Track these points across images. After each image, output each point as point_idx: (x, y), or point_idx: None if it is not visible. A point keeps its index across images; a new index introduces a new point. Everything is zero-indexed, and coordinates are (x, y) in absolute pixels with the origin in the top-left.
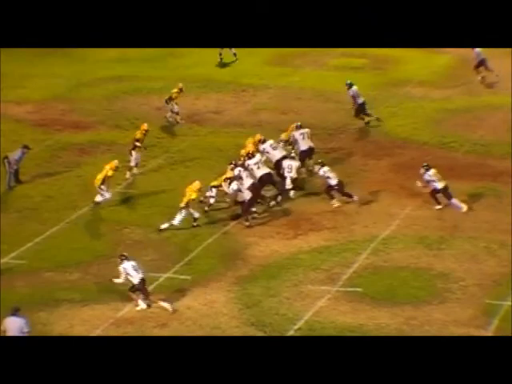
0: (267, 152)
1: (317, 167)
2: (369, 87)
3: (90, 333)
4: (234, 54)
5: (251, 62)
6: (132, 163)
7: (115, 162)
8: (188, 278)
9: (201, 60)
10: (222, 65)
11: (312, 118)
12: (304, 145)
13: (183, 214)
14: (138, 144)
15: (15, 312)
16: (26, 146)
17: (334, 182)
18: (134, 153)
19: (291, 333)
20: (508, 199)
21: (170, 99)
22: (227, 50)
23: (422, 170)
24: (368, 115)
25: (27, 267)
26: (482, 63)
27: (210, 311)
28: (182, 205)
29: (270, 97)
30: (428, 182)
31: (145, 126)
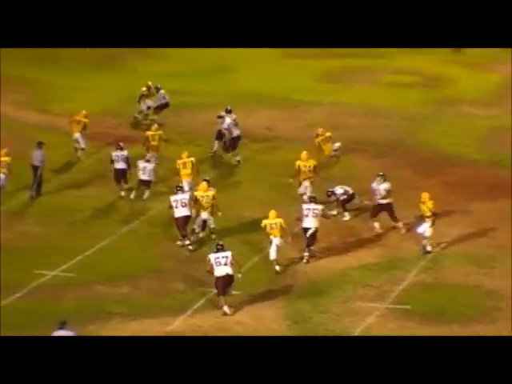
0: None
1: None
2: (420, 105)
3: None
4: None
5: (302, 78)
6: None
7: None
8: (238, 293)
9: (252, 75)
10: None
11: (363, 134)
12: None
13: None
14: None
15: (62, 325)
16: (39, 142)
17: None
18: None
19: None
20: None
21: (141, 97)
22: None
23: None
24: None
25: (77, 280)
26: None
27: (259, 327)
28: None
29: (322, 113)
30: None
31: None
